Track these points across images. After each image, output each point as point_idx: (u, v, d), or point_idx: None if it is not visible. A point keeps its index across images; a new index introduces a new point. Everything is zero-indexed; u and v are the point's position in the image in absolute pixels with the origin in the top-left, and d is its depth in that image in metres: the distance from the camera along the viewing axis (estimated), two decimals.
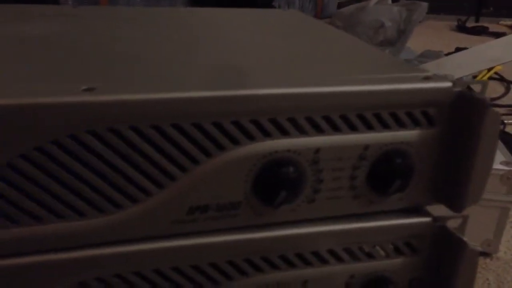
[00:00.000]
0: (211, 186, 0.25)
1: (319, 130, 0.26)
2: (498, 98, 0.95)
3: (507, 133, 0.73)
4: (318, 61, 0.32)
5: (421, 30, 1.22)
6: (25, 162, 0.22)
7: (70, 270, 0.24)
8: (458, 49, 1.20)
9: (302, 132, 0.26)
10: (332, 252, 0.28)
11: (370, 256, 0.29)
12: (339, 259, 0.29)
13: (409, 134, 0.27)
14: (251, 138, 0.25)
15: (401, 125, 0.27)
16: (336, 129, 0.26)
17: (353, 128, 0.27)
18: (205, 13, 0.48)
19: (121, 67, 0.28)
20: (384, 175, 0.27)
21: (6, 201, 0.22)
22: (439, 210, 0.29)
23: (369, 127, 0.27)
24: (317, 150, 0.26)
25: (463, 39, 1.56)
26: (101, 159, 0.23)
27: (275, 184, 0.26)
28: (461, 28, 1.74)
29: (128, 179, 0.24)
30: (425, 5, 1.11)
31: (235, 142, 0.25)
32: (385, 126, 0.27)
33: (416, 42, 1.23)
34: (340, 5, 1.17)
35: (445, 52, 1.13)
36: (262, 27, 0.44)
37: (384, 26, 1.10)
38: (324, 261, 0.28)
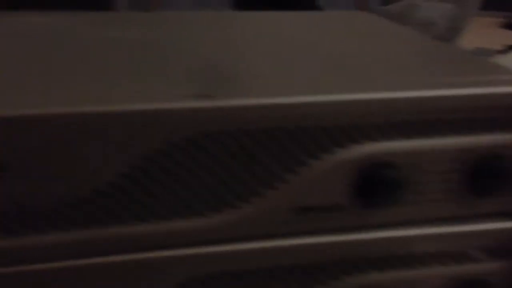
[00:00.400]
0: (318, 188, 0.26)
1: (420, 133, 0.26)
2: None
3: None
4: (411, 66, 0.33)
5: (468, 27, 1.19)
6: (150, 164, 0.23)
7: (187, 266, 0.26)
8: (510, 47, 1.17)
9: (403, 135, 0.26)
10: (431, 255, 0.28)
11: (468, 259, 0.29)
12: (438, 262, 0.29)
13: (507, 138, 0.27)
14: (355, 141, 0.26)
15: (498, 128, 0.27)
16: (436, 132, 0.27)
17: (452, 132, 0.27)
18: (270, 17, 0.48)
19: (219, 72, 0.29)
20: (482, 178, 0.28)
21: (132, 200, 0.24)
22: None
23: (467, 130, 0.27)
24: (417, 153, 0.27)
25: (511, 36, 1.52)
26: (218, 161, 0.24)
27: (377, 186, 0.26)
28: (509, 25, 1.69)
29: (242, 181, 0.25)
30: (476, 1, 1.09)
31: (340, 145, 0.25)
32: (483, 129, 0.27)
33: (464, 40, 1.20)
34: (388, 2, 1.16)
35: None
36: (345, 32, 0.43)
37: (434, 23, 1.08)
38: (423, 264, 0.29)
